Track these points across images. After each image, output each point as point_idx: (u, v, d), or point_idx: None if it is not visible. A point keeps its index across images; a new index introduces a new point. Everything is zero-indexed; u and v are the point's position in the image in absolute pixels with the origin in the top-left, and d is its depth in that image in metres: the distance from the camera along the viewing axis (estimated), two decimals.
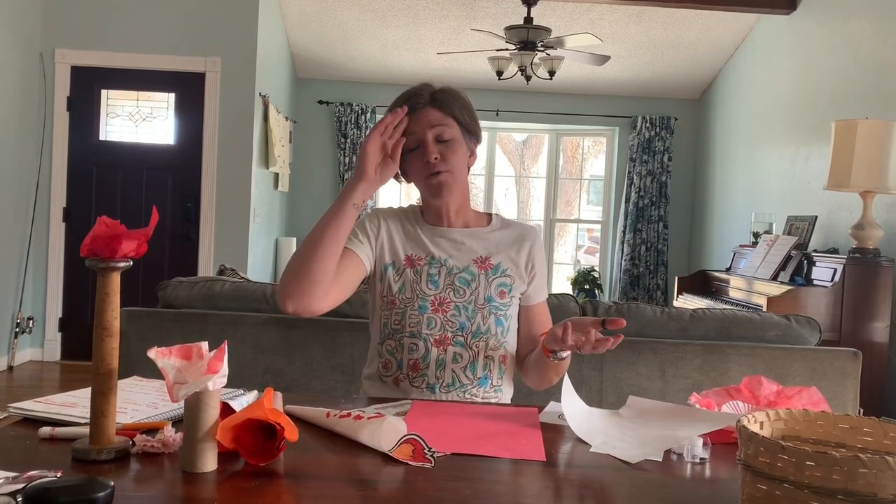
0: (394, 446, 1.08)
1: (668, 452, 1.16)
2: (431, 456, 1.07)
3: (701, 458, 1.14)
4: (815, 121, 4.95)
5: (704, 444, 1.15)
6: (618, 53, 6.20)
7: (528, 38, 5.13)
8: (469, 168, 1.65)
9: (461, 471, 1.05)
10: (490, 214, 1.71)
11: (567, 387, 1.33)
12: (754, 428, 0.98)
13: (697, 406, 1.34)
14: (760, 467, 0.89)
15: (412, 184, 1.64)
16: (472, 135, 1.62)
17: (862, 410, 2.07)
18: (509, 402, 1.64)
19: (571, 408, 1.31)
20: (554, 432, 1.26)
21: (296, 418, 1.21)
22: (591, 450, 1.17)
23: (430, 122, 1.56)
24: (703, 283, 5.33)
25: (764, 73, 5.85)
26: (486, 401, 1.56)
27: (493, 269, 1.61)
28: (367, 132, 1.36)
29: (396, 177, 1.61)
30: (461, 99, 1.61)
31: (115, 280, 1.04)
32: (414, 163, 1.58)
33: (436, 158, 1.54)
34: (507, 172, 8.44)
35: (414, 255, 1.61)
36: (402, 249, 1.62)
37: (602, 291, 7.34)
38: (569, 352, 1.45)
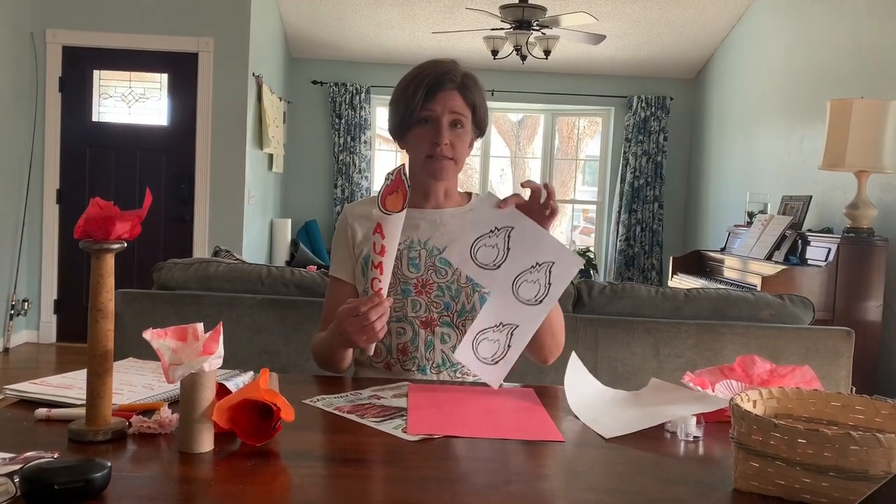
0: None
1: (662, 430, 1.17)
2: (405, 178, 1.31)
3: (694, 437, 1.14)
4: (810, 100, 4.94)
5: (698, 422, 1.16)
6: (613, 33, 6.16)
7: (523, 17, 5.10)
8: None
9: (455, 449, 1.06)
10: (470, 194, 1.72)
11: (574, 361, 1.35)
12: (747, 406, 0.99)
13: (692, 385, 1.35)
14: (753, 445, 0.90)
15: (405, 150, 1.64)
16: (478, 129, 1.63)
17: (854, 389, 2.08)
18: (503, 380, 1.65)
19: (574, 382, 1.32)
20: (552, 409, 1.26)
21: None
22: (594, 428, 1.18)
23: (452, 107, 1.55)
24: (698, 263, 5.34)
25: (759, 53, 5.83)
26: (477, 379, 1.57)
27: None
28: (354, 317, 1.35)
29: (394, 138, 1.63)
30: (482, 91, 1.61)
31: (110, 262, 1.04)
32: (421, 136, 1.56)
33: (446, 144, 1.55)
34: (503, 153, 8.42)
35: None
36: None
37: (597, 272, 7.36)
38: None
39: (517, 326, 1.36)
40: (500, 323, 1.36)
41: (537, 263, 1.34)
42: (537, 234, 1.36)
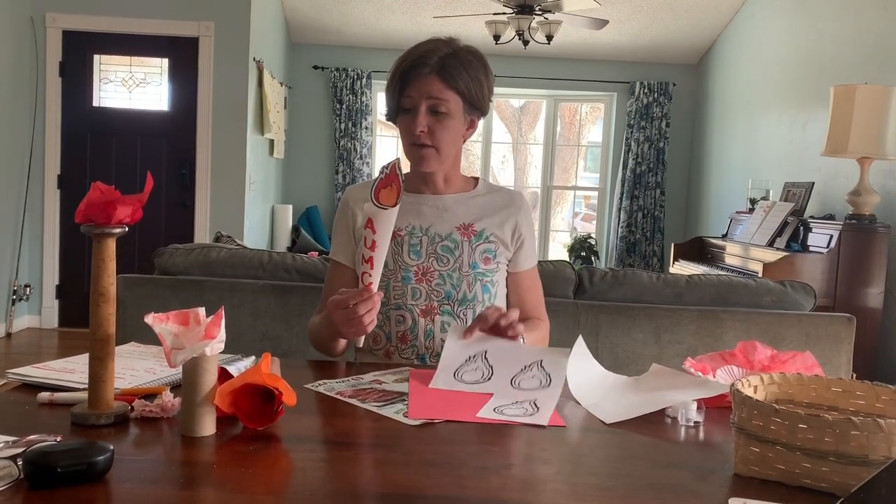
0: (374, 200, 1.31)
1: (662, 416, 1.17)
2: (399, 172, 1.31)
3: (695, 422, 1.15)
4: (813, 86, 4.92)
5: (699, 407, 1.16)
6: (616, 17, 6.13)
7: (525, 1, 5.07)
8: (465, 139, 1.60)
9: (456, 434, 1.06)
10: (476, 178, 1.68)
11: (579, 346, 1.35)
12: (748, 392, 0.99)
13: (692, 370, 1.35)
14: (754, 430, 0.90)
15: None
16: (476, 110, 1.57)
17: (855, 375, 2.08)
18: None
19: (576, 367, 1.32)
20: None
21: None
22: (593, 412, 1.18)
23: (429, 93, 1.50)
24: (700, 250, 5.34)
25: (763, 38, 5.80)
26: None
27: (477, 235, 1.59)
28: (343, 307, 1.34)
29: (392, 121, 1.61)
30: (473, 68, 1.53)
31: (111, 246, 1.04)
32: (404, 125, 1.55)
33: (422, 132, 1.51)
34: (505, 139, 8.40)
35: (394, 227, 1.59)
36: None
37: (598, 258, 7.35)
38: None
39: (536, 398, 1.22)
40: (516, 401, 1.22)
41: (526, 366, 1.31)
42: (512, 346, 1.36)
